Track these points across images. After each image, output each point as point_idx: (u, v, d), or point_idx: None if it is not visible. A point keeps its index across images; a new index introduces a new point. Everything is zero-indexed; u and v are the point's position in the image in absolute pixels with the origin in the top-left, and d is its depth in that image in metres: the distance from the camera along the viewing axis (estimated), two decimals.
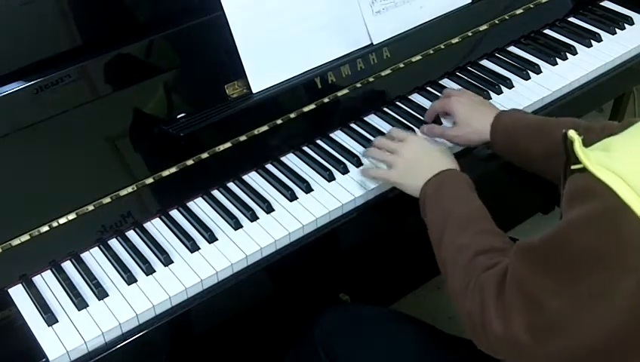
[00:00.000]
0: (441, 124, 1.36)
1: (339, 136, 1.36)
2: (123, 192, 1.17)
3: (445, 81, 1.48)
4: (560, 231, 0.79)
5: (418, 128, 1.35)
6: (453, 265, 0.98)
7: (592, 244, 0.75)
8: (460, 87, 1.44)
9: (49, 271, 1.12)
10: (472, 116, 1.26)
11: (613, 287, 0.74)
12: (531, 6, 1.59)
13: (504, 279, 0.86)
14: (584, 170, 0.76)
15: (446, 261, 1.00)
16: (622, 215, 0.72)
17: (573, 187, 0.79)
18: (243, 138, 1.26)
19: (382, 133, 1.34)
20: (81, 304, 1.06)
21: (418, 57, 1.44)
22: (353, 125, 1.37)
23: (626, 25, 1.62)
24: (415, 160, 1.16)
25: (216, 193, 1.24)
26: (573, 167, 0.78)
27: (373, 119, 1.39)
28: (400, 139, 1.22)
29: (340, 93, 1.35)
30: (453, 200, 1.07)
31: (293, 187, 1.23)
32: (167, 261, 1.12)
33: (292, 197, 1.22)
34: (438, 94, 1.44)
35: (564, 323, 0.79)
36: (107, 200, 1.15)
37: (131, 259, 1.13)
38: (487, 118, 1.23)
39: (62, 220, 1.12)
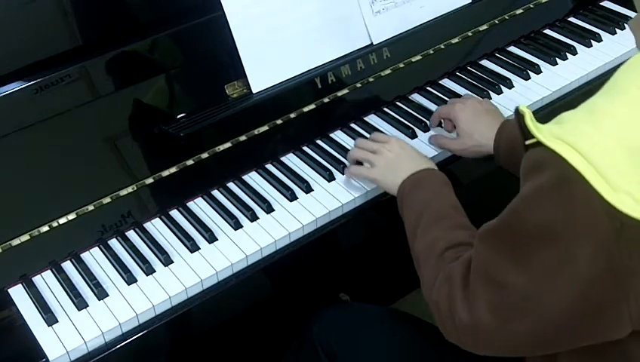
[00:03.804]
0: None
1: (339, 136, 1.36)
2: (123, 192, 1.17)
3: (445, 81, 1.48)
4: (514, 207, 0.78)
5: (417, 128, 1.35)
6: (425, 258, 0.99)
7: (545, 216, 0.74)
8: (467, 93, 1.42)
9: (49, 271, 1.12)
10: (475, 128, 1.23)
11: (570, 259, 0.73)
12: (531, 6, 1.59)
13: (470, 267, 0.86)
14: (537, 144, 0.75)
15: (419, 254, 1.01)
16: (574, 184, 0.71)
17: (527, 162, 0.78)
18: (243, 138, 1.26)
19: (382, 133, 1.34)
20: (81, 304, 1.06)
21: (418, 57, 1.44)
22: (353, 125, 1.37)
23: (626, 25, 1.61)
24: (395, 159, 1.16)
25: (216, 193, 1.24)
26: (527, 142, 0.77)
27: (373, 119, 1.39)
28: (381, 141, 1.21)
29: (339, 93, 1.35)
30: (429, 196, 1.07)
31: (293, 187, 1.23)
32: (167, 261, 1.12)
33: (292, 197, 1.22)
34: (438, 94, 1.44)
35: (527, 300, 0.78)
36: (107, 200, 1.15)
37: (131, 259, 1.13)
38: (490, 130, 1.20)
39: (62, 220, 1.12)
